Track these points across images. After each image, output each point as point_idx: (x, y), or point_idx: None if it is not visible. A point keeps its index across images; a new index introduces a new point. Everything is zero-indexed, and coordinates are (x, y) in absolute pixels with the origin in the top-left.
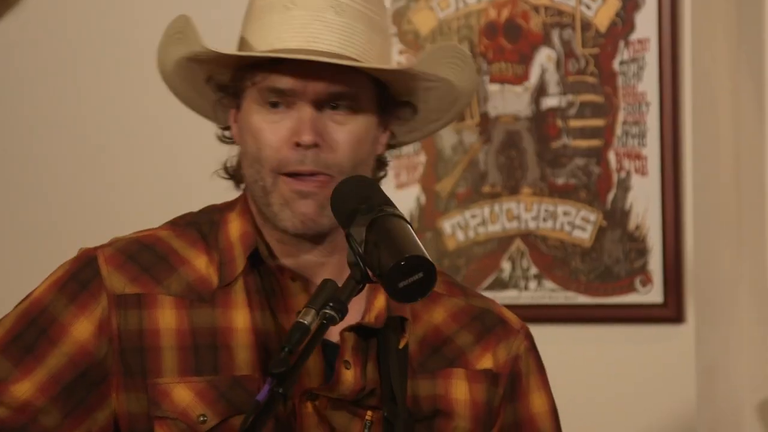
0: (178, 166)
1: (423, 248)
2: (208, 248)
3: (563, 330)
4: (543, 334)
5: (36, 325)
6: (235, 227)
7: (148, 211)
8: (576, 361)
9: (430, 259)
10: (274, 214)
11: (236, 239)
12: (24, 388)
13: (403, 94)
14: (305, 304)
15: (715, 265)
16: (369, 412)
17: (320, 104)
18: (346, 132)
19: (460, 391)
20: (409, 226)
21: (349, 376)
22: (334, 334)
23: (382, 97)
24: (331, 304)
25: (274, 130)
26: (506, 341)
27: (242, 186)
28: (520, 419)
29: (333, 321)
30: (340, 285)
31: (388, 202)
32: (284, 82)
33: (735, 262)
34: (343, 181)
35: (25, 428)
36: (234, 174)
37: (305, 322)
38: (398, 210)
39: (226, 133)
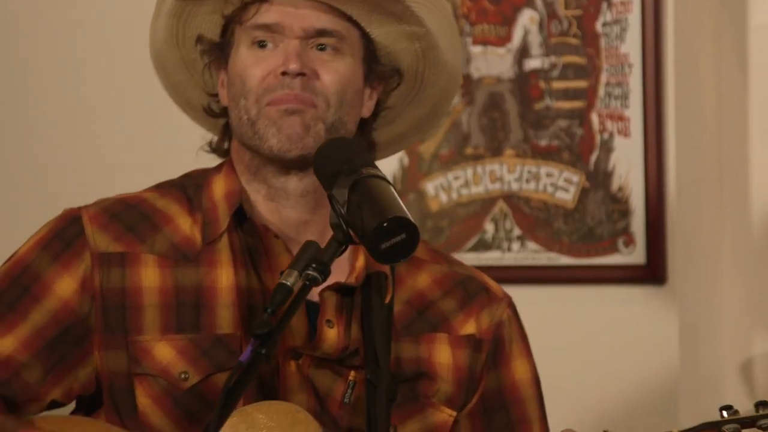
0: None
1: (406, 210)
2: (192, 209)
3: (546, 291)
4: (525, 295)
5: (19, 283)
6: (219, 187)
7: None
8: (558, 322)
9: (413, 220)
10: (260, 137)
11: (220, 198)
12: (7, 343)
13: (388, 57)
14: (288, 266)
15: (698, 226)
16: (352, 373)
17: (307, 40)
18: (332, 69)
19: (443, 355)
20: (391, 188)
21: (331, 334)
22: (314, 293)
23: (368, 51)
24: (313, 265)
25: (260, 64)
26: (489, 308)
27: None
28: (503, 385)
29: (315, 282)
30: (323, 245)
31: (371, 164)
32: (271, 16)
33: (717, 223)
34: (325, 143)
35: (8, 383)
36: (217, 148)
37: (288, 283)
38: (381, 171)
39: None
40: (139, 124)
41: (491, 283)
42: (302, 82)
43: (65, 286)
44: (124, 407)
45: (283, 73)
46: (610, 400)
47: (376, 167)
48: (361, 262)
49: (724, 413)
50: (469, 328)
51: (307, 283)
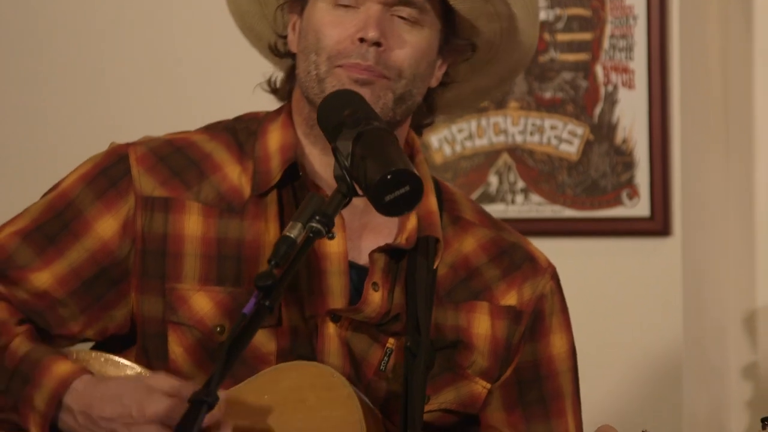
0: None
1: (409, 162)
2: (242, 157)
3: (550, 243)
4: None
5: (61, 217)
6: (274, 138)
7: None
8: (562, 275)
9: (417, 172)
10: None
11: (275, 150)
12: (43, 278)
13: (466, 32)
14: (292, 218)
15: (702, 178)
16: (391, 340)
17: (389, 7)
18: (409, 43)
19: (482, 326)
20: (395, 140)
21: (376, 297)
22: (362, 256)
23: (447, 23)
24: (317, 217)
25: (338, 25)
26: (533, 279)
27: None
28: (539, 358)
29: (319, 234)
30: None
31: (375, 116)
32: None
33: (722, 175)
34: (330, 95)
35: (42, 314)
36: (278, 89)
37: (291, 235)
38: (384, 124)
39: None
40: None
41: (537, 253)
42: (376, 54)
43: (107, 226)
44: (155, 353)
45: (361, 39)
46: (614, 351)
47: (380, 119)
48: (413, 223)
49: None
50: (511, 299)
51: (311, 235)
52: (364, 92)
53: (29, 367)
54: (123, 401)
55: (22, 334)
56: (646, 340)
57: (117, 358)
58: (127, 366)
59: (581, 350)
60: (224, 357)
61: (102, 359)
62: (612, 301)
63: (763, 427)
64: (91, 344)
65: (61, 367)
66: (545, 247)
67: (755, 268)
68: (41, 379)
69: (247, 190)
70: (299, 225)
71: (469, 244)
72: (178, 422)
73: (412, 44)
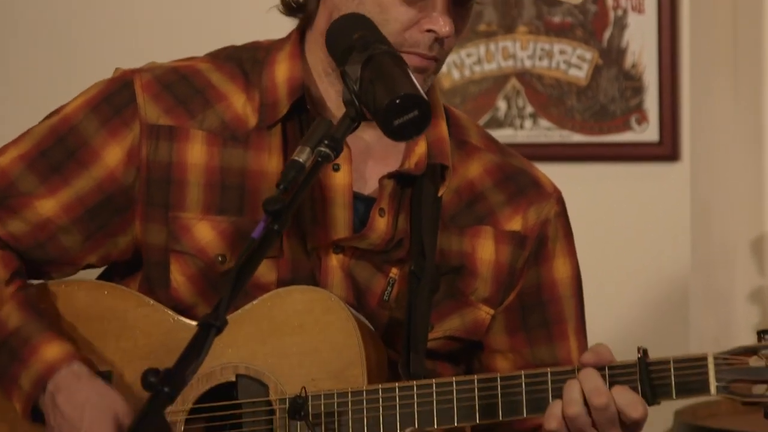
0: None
1: (418, 86)
2: (248, 86)
3: (558, 168)
4: None
5: (65, 144)
6: (282, 69)
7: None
8: (570, 200)
9: (425, 97)
10: None
11: (282, 81)
12: (49, 206)
13: None
14: (300, 142)
15: (711, 103)
16: (394, 269)
17: None
18: (462, 28)
19: (486, 251)
20: (404, 64)
21: (381, 224)
22: (366, 186)
23: None
24: (326, 141)
25: (410, 8)
26: (538, 204)
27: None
28: (542, 283)
29: (328, 159)
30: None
31: (384, 40)
32: None
33: (731, 100)
34: (338, 18)
35: (42, 245)
36: (297, 8)
37: (300, 159)
38: (394, 48)
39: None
40: None
41: (542, 177)
42: (440, 45)
43: (112, 155)
44: (158, 280)
45: (429, 30)
46: (622, 276)
47: (389, 43)
48: (422, 148)
49: (763, 337)
50: (515, 224)
51: (320, 159)
52: (418, 78)
53: (19, 343)
54: (82, 411)
55: (12, 298)
56: (654, 264)
57: (122, 288)
58: (132, 294)
59: (589, 274)
60: (233, 281)
61: (105, 291)
62: (620, 225)
63: (759, 340)
64: (91, 271)
65: (50, 351)
66: (553, 172)
67: (763, 193)
68: (29, 360)
69: (251, 120)
70: (308, 149)
71: (474, 169)
72: (187, 345)
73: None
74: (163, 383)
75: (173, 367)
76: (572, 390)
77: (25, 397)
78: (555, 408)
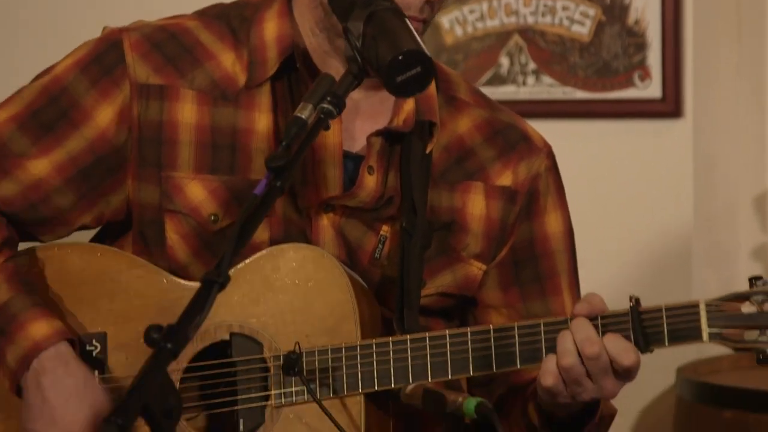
0: None
1: (421, 43)
2: (236, 44)
3: (561, 125)
4: (540, 130)
5: (57, 104)
6: (271, 27)
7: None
8: (573, 157)
9: (428, 53)
10: None
11: (271, 40)
12: (41, 166)
13: None
14: (302, 99)
15: (714, 59)
16: (385, 227)
17: None
18: None
19: (476, 206)
20: (407, 21)
21: (371, 181)
22: (355, 144)
23: None
24: (328, 98)
25: None
26: (528, 159)
27: None
28: (534, 237)
29: (330, 115)
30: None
31: None
32: None
33: (734, 57)
34: None
35: (35, 207)
36: None
37: (303, 116)
38: (396, 4)
39: None
40: None
41: (532, 132)
42: (429, 8)
43: (103, 115)
44: (153, 239)
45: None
46: (624, 232)
47: (391, 0)
48: (410, 105)
49: (754, 283)
50: (506, 179)
51: (322, 116)
52: None
53: (6, 319)
54: (63, 402)
55: (1, 271)
56: (657, 221)
57: (115, 250)
58: (126, 255)
59: (591, 232)
60: (235, 238)
61: (98, 254)
62: (622, 182)
63: (751, 286)
64: (84, 234)
65: (37, 329)
66: (556, 129)
67: (766, 150)
68: (16, 336)
69: (241, 79)
70: (310, 106)
71: (463, 124)
72: (190, 302)
73: None
74: (166, 339)
75: (176, 323)
76: (565, 341)
77: (11, 374)
78: (549, 363)
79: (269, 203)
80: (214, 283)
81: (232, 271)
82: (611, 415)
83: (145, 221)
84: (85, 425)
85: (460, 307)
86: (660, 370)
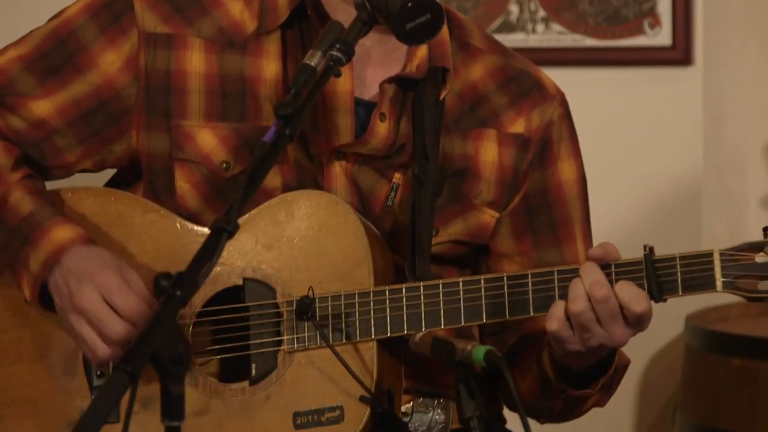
0: None
1: None
2: None
3: (570, 73)
4: (549, 77)
5: (64, 48)
6: None
7: None
8: (583, 105)
9: (438, 0)
10: None
11: None
12: (44, 107)
13: None
14: (312, 46)
15: (725, 7)
16: (397, 174)
17: None
18: None
19: (489, 153)
20: None
21: (382, 129)
22: (367, 91)
23: None
24: (337, 45)
25: None
26: (541, 107)
27: None
28: (547, 185)
29: (339, 62)
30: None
31: None
32: None
33: (744, 4)
34: None
35: (38, 144)
36: None
37: (312, 63)
38: None
39: None
40: None
41: (545, 79)
42: None
43: (110, 61)
44: (163, 188)
45: None
46: (634, 179)
47: None
48: (423, 51)
49: None
50: (519, 126)
51: (331, 63)
52: None
53: (30, 228)
54: (88, 263)
55: (20, 184)
56: (667, 169)
57: (129, 195)
58: (139, 200)
59: (601, 179)
60: (245, 185)
61: (112, 198)
62: (632, 130)
63: (765, 236)
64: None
65: (61, 233)
66: (566, 76)
67: None
68: (39, 242)
69: (249, 26)
70: (319, 53)
71: (476, 71)
72: (199, 249)
73: None
74: (175, 287)
75: (185, 270)
76: (576, 287)
77: (34, 279)
78: (556, 308)
79: (278, 151)
80: (223, 231)
81: (245, 218)
82: (625, 366)
83: (154, 171)
84: (113, 275)
85: (473, 256)
86: (669, 318)
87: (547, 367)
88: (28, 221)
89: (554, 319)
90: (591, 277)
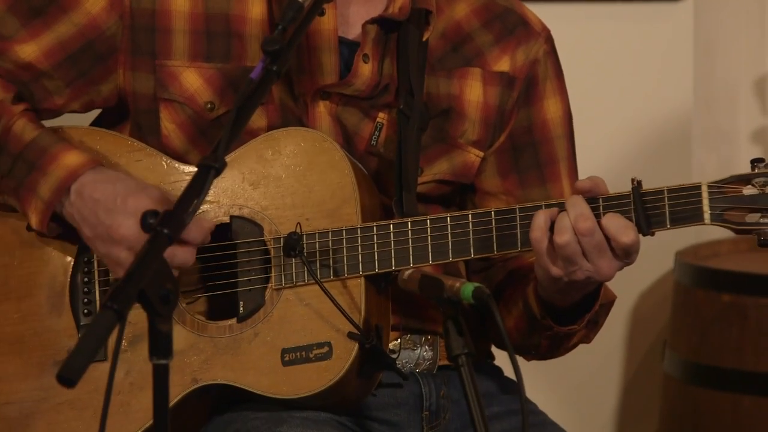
0: None
1: None
2: None
3: (558, 8)
4: (540, 13)
5: None
6: None
7: None
8: (572, 40)
9: None
10: None
11: None
12: (29, 50)
13: None
14: None
15: None
16: (381, 114)
17: None
18: None
19: (474, 92)
20: None
21: (366, 70)
22: (351, 30)
23: None
24: None
25: None
26: (526, 44)
27: None
28: (533, 124)
29: None
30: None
31: None
32: None
33: None
34: None
35: (27, 85)
36: None
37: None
38: None
39: None
40: None
41: (530, 16)
42: None
43: (93, 1)
44: (148, 129)
45: None
46: (624, 114)
47: None
48: None
49: (756, 166)
50: (504, 65)
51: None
52: None
53: (36, 154)
54: (113, 190)
55: (22, 115)
56: (657, 104)
57: (115, 134)
58: (125, 139)
59: (591, 115)
60: (232, 122)
61: (98, 137)
62: (622, 65)
63: (753, 168)
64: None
65: (71, 158)
66: (554, 12)
67: (767, 32)
68: (48, 168)
69: None
70: None
71: (461, 9)
72: (186, 186)
73: None
74: (163, 225)
75: (173, 208)
76: (562, 219)
77: (45, 205)
78: (538, 218)
79: (265, 88)
80: (210, 168)
81: (231, 156)
82: (611, 302)
83: (140, 111)
84: (138, 189)
85: (458, 194)
86: (658, 254)
87: (533, 303)
88: (32, 147)
89: (536, 229)
90: (576, 210)
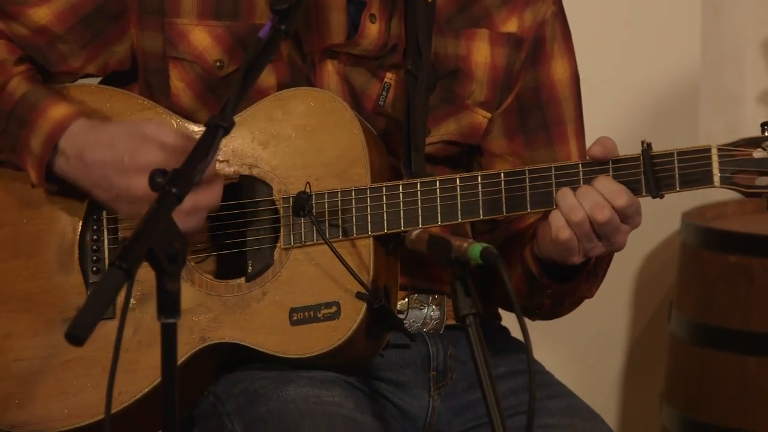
0: None
1: None
2: None
3: None
4: None
5: None
6: None
7: None
8: (581, 1)
9: None
10: None
11: None
12: (42, 13)
13: None
14: None
15: None
16: (389, 74)
17: None
18: None
19: (481, 53)
20: None
21: (373, 30)
22: None
23: None
24: None
25: None
26: (534, 5)
27: None
28: (540, 85)
29: None
30: None
31: None
32: None
33: None
34: None
35: (42, 50)
36: None
37: None
38: None
39: None
40: None
41: None
42: None
43: None
44: (158, 88)
45: None
46: (631, 75)
47: None
48: None
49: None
50: (511, 25)
51: None
52: None
53: (26, 109)
54: (116, 147)
55: (20, 74)
56: (664, 65)
57: (124, 92)
58: (135, 97)
59: (597, 75)
60: (240, 81)
61: (108, 95)
62: (629, 26)
63: (763, 132)
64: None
65: (57, 111)
66: None
67: None
68: (36, 122)
69: None
70: None
71: None
72: (195, 146)
73: None
74: (171, 184)
75: (181, 167)
76: (577, 212)
77: (38, 160)
78: (556, 218)
79: (274, 47)
80: (219, 127)
81: (240, 116)
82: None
83: (149, 70)
84: (139, 141)
85: (465, 155)
86: (665, 215)
87: (530, 262)
88: (22, 103)
89: (564, 229)
90: (590, 200)
